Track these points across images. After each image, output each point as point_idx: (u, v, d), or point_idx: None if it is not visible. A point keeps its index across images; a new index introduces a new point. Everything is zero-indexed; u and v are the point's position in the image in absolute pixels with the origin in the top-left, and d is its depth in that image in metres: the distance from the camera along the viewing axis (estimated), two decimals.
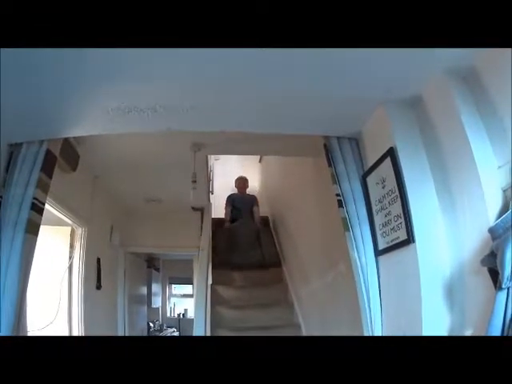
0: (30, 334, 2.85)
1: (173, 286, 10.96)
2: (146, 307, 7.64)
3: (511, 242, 1.21)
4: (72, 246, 4.25)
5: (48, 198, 2.62)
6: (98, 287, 4.81)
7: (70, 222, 4.04)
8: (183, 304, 10.60)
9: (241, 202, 7.06)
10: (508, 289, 1.22)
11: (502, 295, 1.23)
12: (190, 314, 9.65)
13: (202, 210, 6.28)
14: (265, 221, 7.29)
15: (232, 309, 5.22)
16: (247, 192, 7.35)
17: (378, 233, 2.34)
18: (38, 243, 2.43)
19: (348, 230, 2.46)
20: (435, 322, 1.84)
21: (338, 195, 2.55)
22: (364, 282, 2.35)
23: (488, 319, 1.29)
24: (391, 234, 2.19)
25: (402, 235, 2.07)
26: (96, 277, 4.76)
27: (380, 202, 2.32)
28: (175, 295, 10.98)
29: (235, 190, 7.46)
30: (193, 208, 6.22)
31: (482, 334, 1.33)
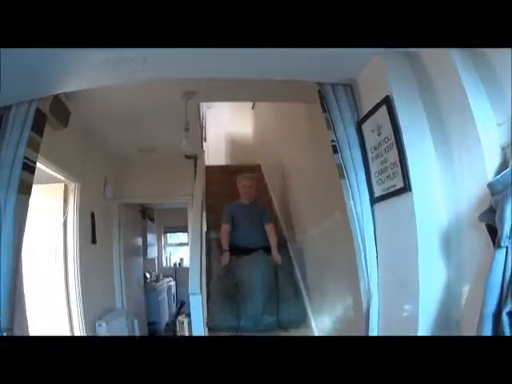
0: (26, 291, 2.88)
1: (168, 235, 11.00)
2: (141, 258, 7.69)
3: (511, 199, 1.18)
4: (66, 202, 4.23)
5: (40, 156, 2.58)
6: (94, 241, 4.82)
7: (62, 178, 4.01)
8: (179, 253, 10.65)
9: (245, 217, 4.68)
10: (507, 248, 1.19)
11: (501, 253, 1.20)
12: (186, 263, 9.66)
13: (195, 158, 6.19)
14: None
15: None
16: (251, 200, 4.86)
17: (374, 180, 2.32)
18: (32, 202, 2.41)
19: (343, 177, 2.45)
20: (431, 271, 1.85)
21: (332, 141, 2.52)
22: (360, 230, 2.36)
23: (486, 274, 1.27)
24: (387, 182, 2.17)
25: (398, 183, 2.05)
26: (91, 231, 4.76)
27: (376, 149, 2.29)
28: (171, 244, 11.01)
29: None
30: (186, 156, 6.17)
31: (479, 288, 1.32)
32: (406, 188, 1.97)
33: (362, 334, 2.30)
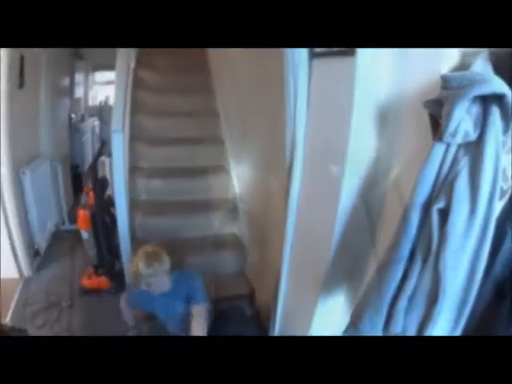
0: None
1: (96, 73, 10.30)
2: (68, 99, 7.31)
3: (463, 100, 1.13)
4: None
5: None
6: (21, 86, 4.49)
7: None
8: (106, 91, 10.04)
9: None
10: (448, 145, 1.18)
11: (440, 147, 1.20)
12: (112, 101, 9.30)
13: None
14: None
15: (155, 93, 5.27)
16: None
17: None
18: None
19: None
20: (362, 141, 1.79)
21: None
22: (293, 83, 2.24)
23: (419, 161, 1.26)
24: None
25: None
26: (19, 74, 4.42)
27: None
28: (98, 83, 10.40)
29: None
30: None
31: (411, 174, 1.31)
32: (350, 51, 1.77)
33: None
